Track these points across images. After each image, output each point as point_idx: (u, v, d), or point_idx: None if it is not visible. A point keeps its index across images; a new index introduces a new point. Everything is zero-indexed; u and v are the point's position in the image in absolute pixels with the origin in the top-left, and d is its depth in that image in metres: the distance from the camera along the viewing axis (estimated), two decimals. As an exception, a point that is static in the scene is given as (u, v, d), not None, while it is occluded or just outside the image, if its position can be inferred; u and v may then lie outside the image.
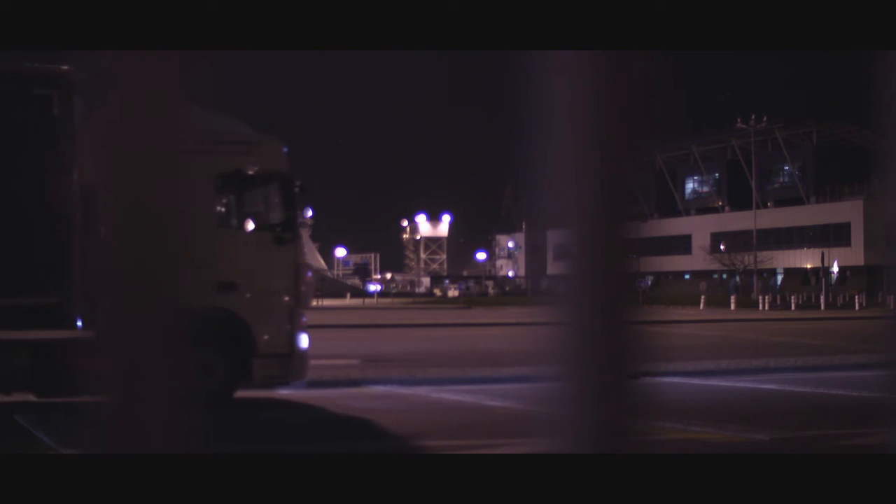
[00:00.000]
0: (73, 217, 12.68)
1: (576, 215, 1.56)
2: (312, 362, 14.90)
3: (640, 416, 1.57)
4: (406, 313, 57.22)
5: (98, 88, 1.55)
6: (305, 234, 16.68)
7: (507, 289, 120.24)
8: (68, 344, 12.14)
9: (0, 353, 12.61)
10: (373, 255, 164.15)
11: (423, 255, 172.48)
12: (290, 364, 14.21)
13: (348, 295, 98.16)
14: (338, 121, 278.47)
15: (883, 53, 1.81)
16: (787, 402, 15.25)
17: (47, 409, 12.94)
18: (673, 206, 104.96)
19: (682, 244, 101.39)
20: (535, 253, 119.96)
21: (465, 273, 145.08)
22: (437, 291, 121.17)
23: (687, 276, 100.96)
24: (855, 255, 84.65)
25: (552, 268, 1.63)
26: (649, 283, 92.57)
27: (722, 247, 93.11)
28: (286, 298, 14.34)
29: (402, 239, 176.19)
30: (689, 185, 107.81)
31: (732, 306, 62.30)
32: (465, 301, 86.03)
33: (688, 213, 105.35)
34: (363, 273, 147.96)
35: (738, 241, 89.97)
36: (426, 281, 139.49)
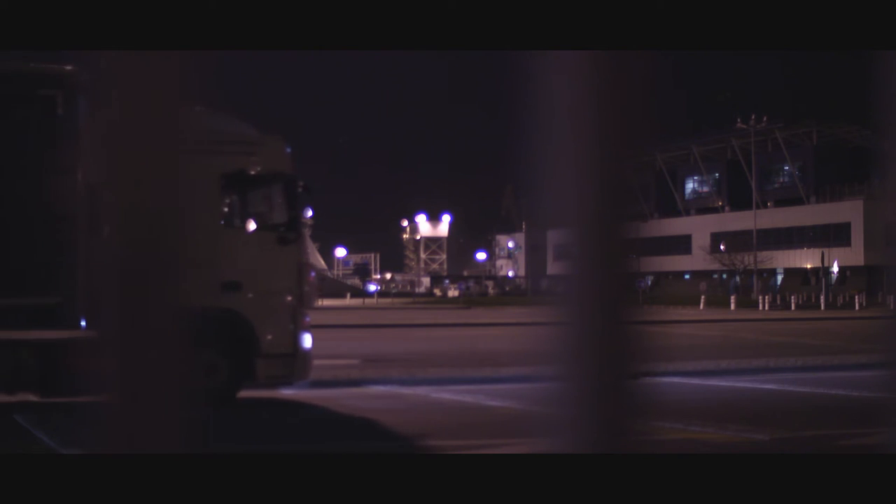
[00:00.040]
0: (77, 217, 12.67)
1: (576, 215, 1.56)
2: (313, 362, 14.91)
3: (640, 416, 1.57)
4: (406, 313, 57.22)
5: (102, 88, 1.55)
6: (306, 234, 16.67)
7: (507, 289, 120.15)
8: (71, 344, 12.14)
9: (3, 352, 12.62)
10: (373, 255, 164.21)
11: (423, 255, 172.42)
12: (294, 364, 14.21)
13: (348, 295, 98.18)
14: (338, 121, 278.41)
15: (883, 53, 1.81)
16: (787, 402, 15.24)
17: (47, 409, 12.93)
18: (673, 206, 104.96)
19: (682, 244, 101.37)
20: (535, 253, 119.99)
21: (465, 273, 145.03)
22: (437, 291, 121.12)
23: (687, 276, 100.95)
24: (855, 255, 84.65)
25: (552, 268, 1.63)
26: (649, 283, 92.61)
27: (722, 247, 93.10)
28: (290, 298, 14.34)
29: (402, 239, 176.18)
30: (689, 185, 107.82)
31: (732, 306, 62.30)
32: (465, 301, 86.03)
33: (688, 213, 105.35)
34: (363, 273, 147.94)
35: (738, 241, 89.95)
36: (426, 281, 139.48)
